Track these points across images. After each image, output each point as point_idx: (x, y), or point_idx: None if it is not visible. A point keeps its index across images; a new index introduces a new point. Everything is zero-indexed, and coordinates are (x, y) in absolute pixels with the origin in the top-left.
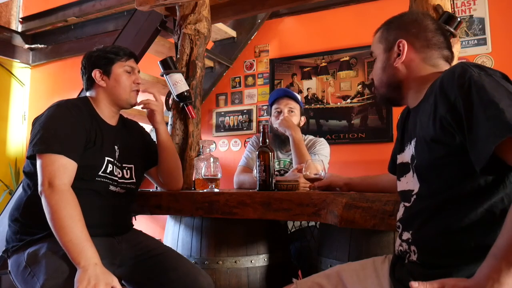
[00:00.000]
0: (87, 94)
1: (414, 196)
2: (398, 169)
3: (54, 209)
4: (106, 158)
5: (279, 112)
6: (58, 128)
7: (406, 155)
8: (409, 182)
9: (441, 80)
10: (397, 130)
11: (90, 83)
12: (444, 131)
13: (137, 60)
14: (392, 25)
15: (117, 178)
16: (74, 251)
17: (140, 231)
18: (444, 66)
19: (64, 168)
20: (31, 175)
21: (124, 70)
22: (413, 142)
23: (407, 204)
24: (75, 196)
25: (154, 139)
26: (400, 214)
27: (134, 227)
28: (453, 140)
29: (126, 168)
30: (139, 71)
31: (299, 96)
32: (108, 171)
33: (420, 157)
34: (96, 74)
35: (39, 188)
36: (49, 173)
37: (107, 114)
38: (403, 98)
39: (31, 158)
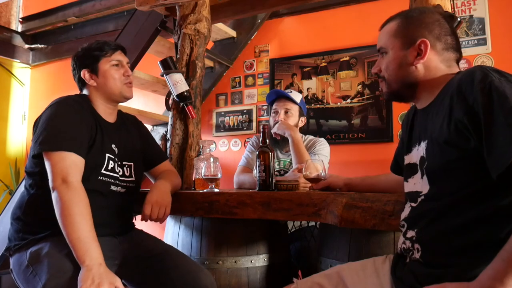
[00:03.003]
0: (84, 92)
1: (422, 197)
2: (405, 170)
3: (67, 205)
4: (107, 155)
5: (276, 113)
6: (64, 126)
7: (414, 156)
8: (417, 184)
9: (459, 83)
10: (402, 130)
11: (82, 84)
12: (459, 134)
13: (125, 52)
14: (412, 21)
15: (118, 176)
16: (81, 249)
17: (141, 231)
18: (455, 68)
19: (75, 165)
20: (33, 174)
21: (111, 65)
22: (423, 144)
23: (413, 205)
24: (86, 195)
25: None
26: (405, 213)
27: (135, 227)
28: (467, 143)
29: (126, 166)
30: (128, 63)
31: (300, 96)
32: (109, 168)
33: (431, 159)
34: (85, 74)
35: (51, 184)
36: (62, 170)
37: (104, 111)
38: (415, 98)
39: (37, 157)
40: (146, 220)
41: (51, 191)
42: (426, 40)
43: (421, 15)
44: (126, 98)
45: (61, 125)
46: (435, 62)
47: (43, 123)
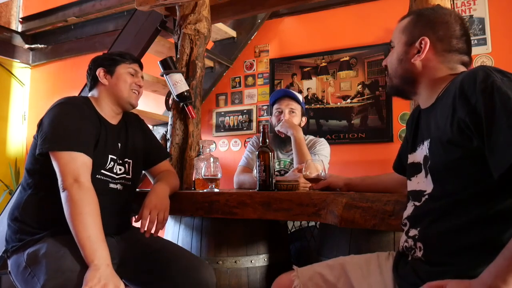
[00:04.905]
0: (89, 94)
1: (426, 196)
2: (408, 169)
3: (78, 204)
4: (110, 156)
5: (280, 112)
6: (72, 126)
7: (418, 155)
8: (421, 183)
9: (461, 83)
10: (407, 129)
11: (93, 82)
12: (462, 134)
13: (141, 67)
14: (421, 19)
15: (114, 175)
16: (90, 248)
17: (139, 228)
18: (459, 69)
19: (85, 165)
20: (33, 172)
21: (127, 72)
22: (426, 143)
23: (417, 204)
24: (96, 195)
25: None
26: (408, 212)
27: (133, 226)
28: (470, 143)
29: (127, 164)
30: (142, 77)
31: (300, 97)
32: (107, 168)
33: (434, 158)
34: (100, 72)
35: (60, 184)
36: (73, 170)
37: (109, 114)
38: (416, 94)
39: (43, 155)
40: (143, 227)
41: (61, 190)
42: (426, 39)
43: (432, 15)
44: (131, 105)
45: (69, 125)
46: (434, 62)
47: (51, 122)
